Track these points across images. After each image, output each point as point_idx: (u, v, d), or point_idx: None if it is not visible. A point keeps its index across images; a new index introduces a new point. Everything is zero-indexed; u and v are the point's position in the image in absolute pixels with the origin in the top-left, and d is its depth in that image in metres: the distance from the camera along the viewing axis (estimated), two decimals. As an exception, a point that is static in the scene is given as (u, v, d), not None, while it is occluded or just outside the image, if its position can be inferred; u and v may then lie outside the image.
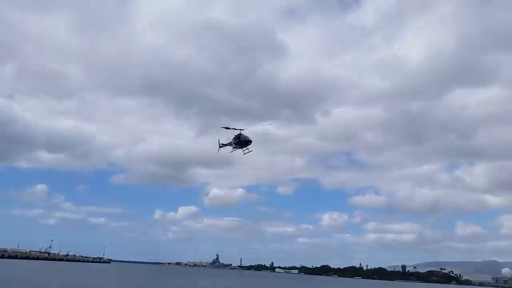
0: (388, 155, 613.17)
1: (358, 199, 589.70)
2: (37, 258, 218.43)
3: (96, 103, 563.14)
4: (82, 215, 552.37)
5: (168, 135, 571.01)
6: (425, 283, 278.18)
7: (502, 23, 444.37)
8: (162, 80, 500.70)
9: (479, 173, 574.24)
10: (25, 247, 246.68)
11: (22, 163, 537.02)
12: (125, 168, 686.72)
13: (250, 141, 48.33)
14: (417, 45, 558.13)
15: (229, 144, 49.80)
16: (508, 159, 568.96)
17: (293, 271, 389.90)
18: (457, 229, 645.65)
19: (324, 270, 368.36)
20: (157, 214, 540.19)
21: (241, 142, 48.15)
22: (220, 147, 51.94)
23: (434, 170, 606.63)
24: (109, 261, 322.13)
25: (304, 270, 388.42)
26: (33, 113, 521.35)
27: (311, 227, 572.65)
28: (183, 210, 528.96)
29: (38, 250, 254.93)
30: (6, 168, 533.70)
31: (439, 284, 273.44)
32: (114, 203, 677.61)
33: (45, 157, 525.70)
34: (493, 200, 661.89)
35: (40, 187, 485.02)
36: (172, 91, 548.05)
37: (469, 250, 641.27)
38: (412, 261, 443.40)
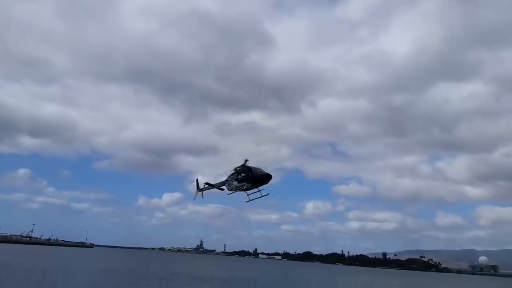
0: (372, 146, 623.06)
1: (341, 188, 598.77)
2: (18, 242, 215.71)
3: (81, 89, 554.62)
4: (65, 200, 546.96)
5: (154, 122, 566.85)
6: (404, 270, 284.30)
7: (486, 20, 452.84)
8: (148, 67, 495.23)
9: (460, 165, 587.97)
10: (6, 231, 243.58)
11: (5, 148, 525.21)
12: (109, 154, 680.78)
13: (270, 176, 30.04)
14: (403, 39, 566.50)
15: (226, 182, 32.96)
16: (488, 152, 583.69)
17: (276, 257, 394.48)
18: (438, 219, 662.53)
19: (307, 257, 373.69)
20: (141, 200, 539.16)
21: (255, 178, 29.77)
22: (200, 190, 35.64)
23: (416, 161, 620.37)
24: (92, 245, 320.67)
25: (287, 256, 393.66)
26: (16, 98, 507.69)
27: (295, 215, 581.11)
28: (167, 197, 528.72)
29: (19, 234, 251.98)
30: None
31: (418, 271, 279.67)
32: (98, 189, 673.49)
33: (28, 142, 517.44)
34: (473, 191, 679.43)
35: (23, 172, 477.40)
36: (158, 79, 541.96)
37: (448, 239, 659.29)
38: (394, 248, 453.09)
